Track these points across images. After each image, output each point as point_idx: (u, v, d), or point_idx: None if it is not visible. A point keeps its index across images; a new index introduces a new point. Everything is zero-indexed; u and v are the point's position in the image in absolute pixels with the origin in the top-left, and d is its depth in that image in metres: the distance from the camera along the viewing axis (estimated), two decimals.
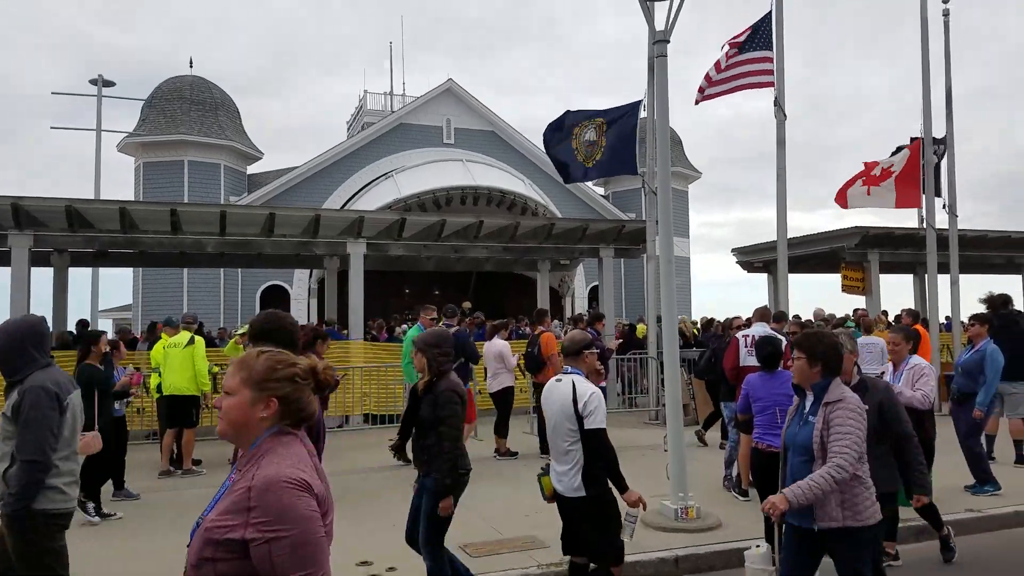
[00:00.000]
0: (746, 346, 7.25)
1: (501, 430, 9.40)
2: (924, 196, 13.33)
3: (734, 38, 9.85)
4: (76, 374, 6.49)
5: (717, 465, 7.95)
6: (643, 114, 11.52)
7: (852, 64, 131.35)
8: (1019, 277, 18.17)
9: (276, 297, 24.23)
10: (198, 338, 9.04)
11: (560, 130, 11.47)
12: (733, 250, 19.52)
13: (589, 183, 28.60)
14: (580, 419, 3.94)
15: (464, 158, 25.13)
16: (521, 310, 23.51)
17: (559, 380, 4.17)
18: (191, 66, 25.56)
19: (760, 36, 9.73)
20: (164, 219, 11.83)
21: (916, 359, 5.93)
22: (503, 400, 9.43)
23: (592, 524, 4.02)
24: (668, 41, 6.61)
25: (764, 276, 19.29)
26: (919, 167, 13.36)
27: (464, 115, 26.58)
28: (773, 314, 8.31)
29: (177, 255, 14.64)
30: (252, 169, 25.73)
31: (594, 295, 26.03)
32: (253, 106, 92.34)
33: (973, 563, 5.59)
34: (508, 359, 9.38)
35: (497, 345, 9.45)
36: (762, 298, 18.88)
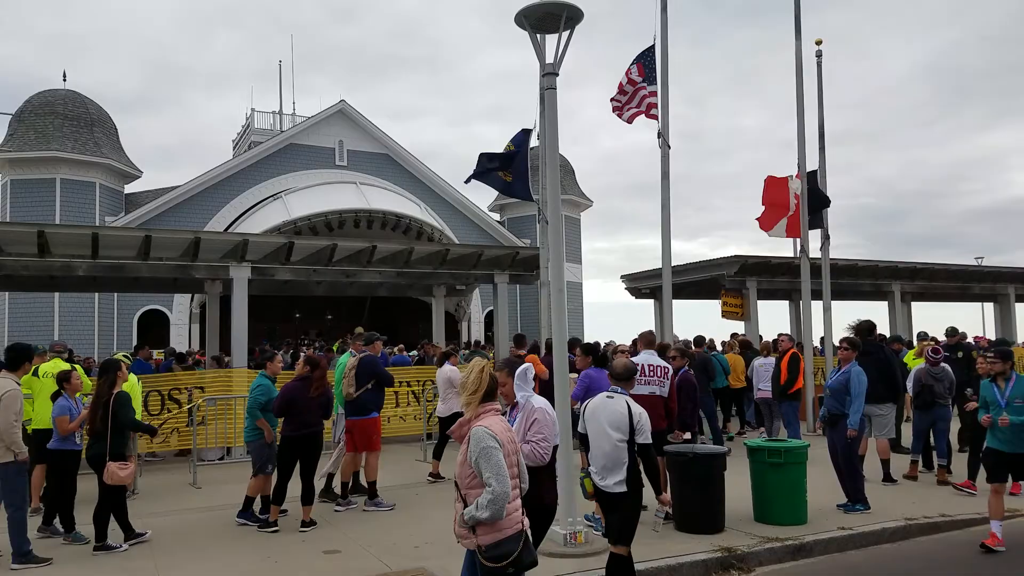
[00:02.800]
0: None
1: (439, 453, 9.56)
2: (803, 226, 14.09)
3: (636, 62, 10.13)
4: None
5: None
6: (535, 142, 11.68)
7: (727, 102, 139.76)
8: (885, 304, 19.58)
9: (155, 322, 22.81)
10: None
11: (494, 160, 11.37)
12: (622, 277, 20.06)
13: (485, 208, 28.83)
14: (632, 433, 4.72)
15: (358, 181, 24.70)
16: (417, 335, 23.20)
17: (611, 398, 4.94)
18: (64, 80, 23.90)
19: (647, 70, 10.08)
20: (31, 240, 10.89)
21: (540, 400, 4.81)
22: (451, 424, 9.30)
23: (625, 515, 4.77)
24: (557, 74, 6.69)
25: (651, 302, 19.90)
26: (797, 199, 14.13)
27: (357, 137, 26.17)
28: (658, 344, 8.46)
29: (46, 279, 13.49)
30: (131, 188, 24.25)
31: (491, 320, 26.07)
32: (132, 123, 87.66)
33: None
34: (457, 384, 9.31)
35: (447, 371, 9.54)
36: (650, 322, 19.44)
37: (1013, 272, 21.09)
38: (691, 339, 13.01)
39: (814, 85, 14.30)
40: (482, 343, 19.28)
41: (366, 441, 8.06)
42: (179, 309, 22.99)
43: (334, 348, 14.46)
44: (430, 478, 9.42)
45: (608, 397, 4.97)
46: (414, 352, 16.93)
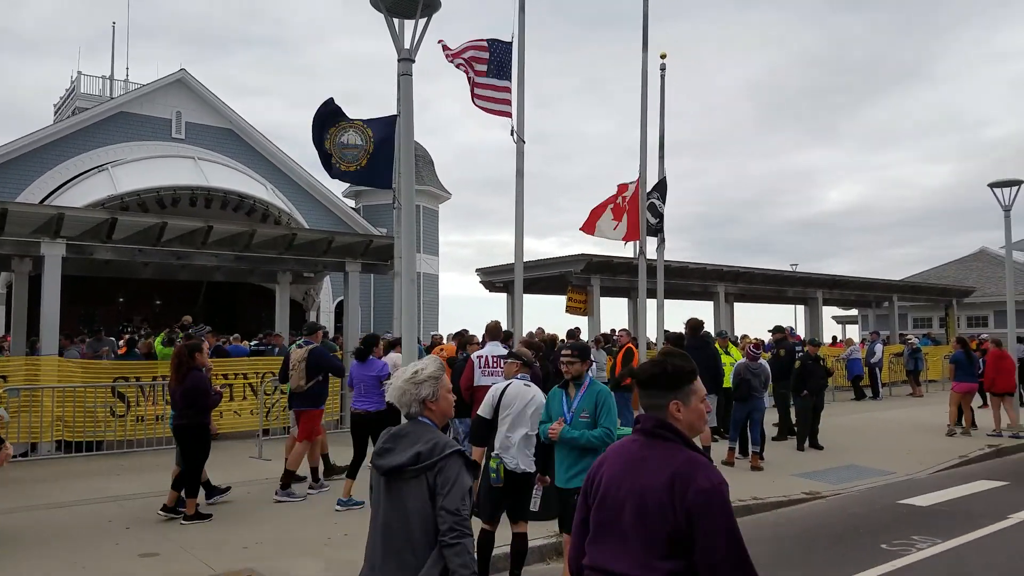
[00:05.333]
0: (480, 366, 7.43)
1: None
2: (641, 229, 14.85)
3: (473, 42, 9.95)
4: None
5: None
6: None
7: (574, 107, 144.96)
8: (711, 303, 21.16)
9: None
10: None
11: (323, 123, 10.73)
12: (477, 270, 20.25)
13: (340, 195, 27.95)
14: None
15: (196, 156, 23.04)
16: (259, 324, 22.06)
17: (528, 386, 5.33)
18: None
19: (502, 65, 10.10)
20: None
21: None
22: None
23: (527, 494, 5.24)
24: (413, 60, 6.60)
25: (504, 295, 20.25)
26: (637, 204, 14.87)
27: (198, 109, 24.42)
28: (503, 333, 8.62)
29: None
30: None
31: (342, 311, 25.36)
32: None
33: None
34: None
35: (392, 359, 9.09)
36: (503, 315, 19.77)
37: (821, 278, 23.53)
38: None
39: (657, 96, 15.13)
40: (330, 333, 18.64)
41: (308, 431, 8.05)
42: None
43: (158, 341, 12.82)
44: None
45: (526, 385, 5.32)
46: (253, 341, 16.11)
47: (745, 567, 2.00)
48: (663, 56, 15.22)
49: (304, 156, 59.03)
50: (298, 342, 8.89)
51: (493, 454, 5.25)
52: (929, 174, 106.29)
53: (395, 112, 10.90)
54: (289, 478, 7.91)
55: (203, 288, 25.70)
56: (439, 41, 10.15)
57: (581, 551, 2.30)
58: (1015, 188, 14.63)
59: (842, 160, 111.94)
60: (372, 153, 10.27)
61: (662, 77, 15.21)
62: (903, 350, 20.30)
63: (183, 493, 7.01)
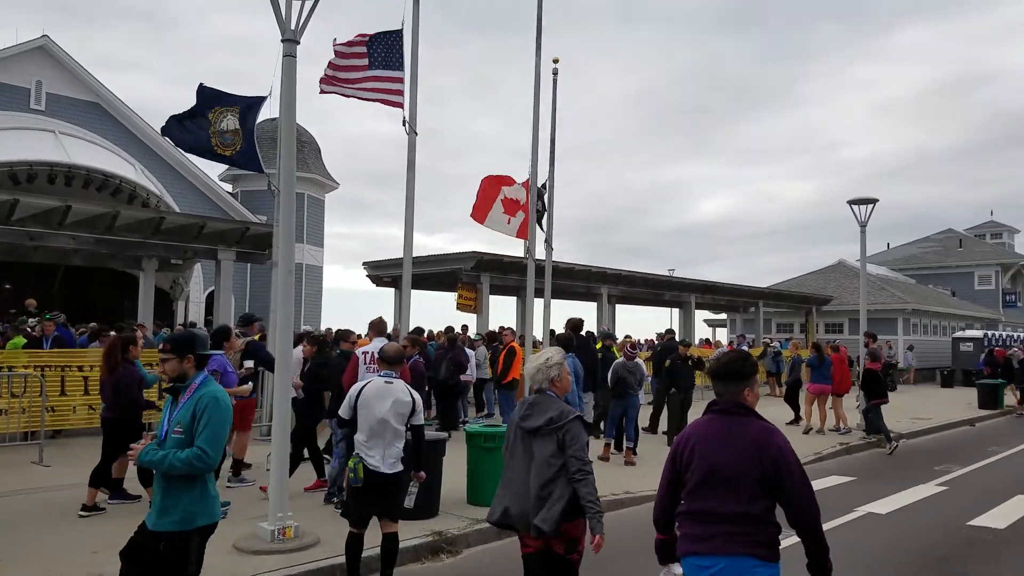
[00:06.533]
0: (365, 363, 7.25)
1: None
2: (531, 230, 15.00)
3: (360, 36, 9.68)
4: None
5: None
6: (274, 114, 10.92)
7: (465, 105, 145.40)
8: (595, 304, 21.73)
9: None
10: None
11: (196, 111, 10.06)
12: (364, 264, 19.79)
13: (216, 179, 26.51)
14: (412, 415, 5.08)
15: (58, 130, 21.18)
16: (121, 313, 20.58)
17: (390, 383, 5.10)
18: None
19: (391, 54, 9.85)
20: None
21: None
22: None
23: (400, 494, 5.14)
24: (298, 42, 6.33)
25: (392, 290, 19.90)
26: (528, 205, 15.01)
27: (61, 80, 22.42)
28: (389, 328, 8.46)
29: None
30: None
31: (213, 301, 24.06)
32: None
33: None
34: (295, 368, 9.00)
35: (296, 354, 8.86)
36: (390, 311, 19.46)
37: (694, 284, 24.72)
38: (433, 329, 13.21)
39: (549, 100, 15.34)
40: (199, 325, 17.64)
41: (247, 421, 8.16)
42: None
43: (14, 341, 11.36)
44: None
45: (387, 382, 5.10)
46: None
47: (810, 488, 2.97)
48: (555, 61, 15.42)
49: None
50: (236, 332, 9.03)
51: (354, 453, 5.07)
52: (794, 190, 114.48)
53: (270, 91, 10.40)
54: (239, 466, 8.17)
55: (60, 272, 23.69)
56: (335, 40, 9.81)
57: (670, 505, 3.18)
58: (871, 206, 15.89)
59: (716, 173, 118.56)
60: (243, 137, 9.76)
61: (554, 82, 15.43)
62: (763, 351, 21.60)
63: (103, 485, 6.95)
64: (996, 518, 7.79)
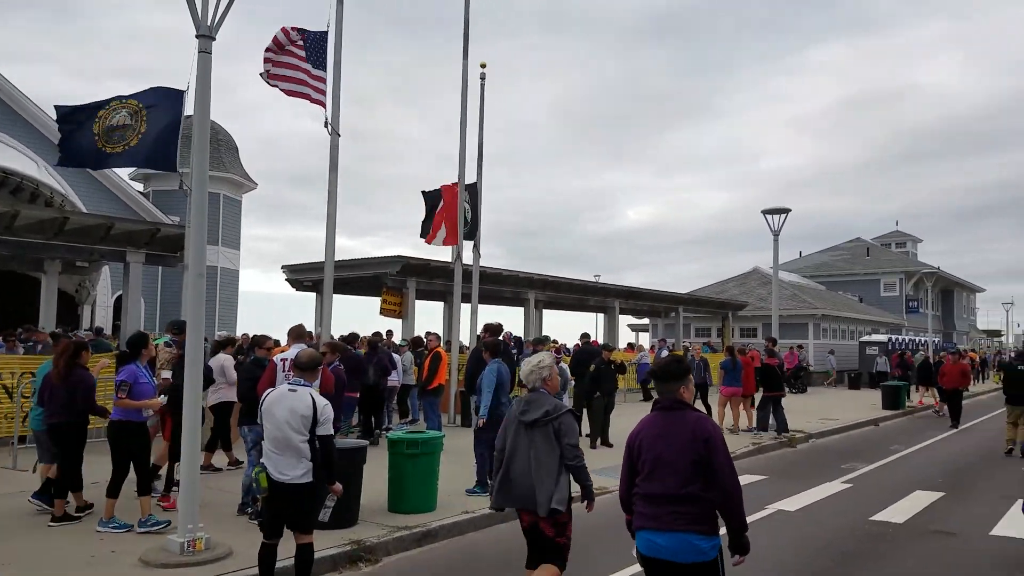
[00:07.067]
0: (284, 370, 7.04)
1: (213, 445, 9.16)
2: (460, 234, 14.94)
3: (294, 28, 9.48)
4: None
5: (233, 492, 7.56)
6: (189, 111, 10.49)
7: (390, 108, 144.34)
8: (522, 309, 21.83)
9: None
10: None
11: (82, 111, 9.46)
12: (283, 267, 19.28)
13: (127, 178, 25.31)
14: (315, 424, 4.83)
15: None
16: (22, 317, 19.35)
17: (294, 391, 4.90)
18: None
19: (319, 54, 9.69)
20: None
21: None
22: (220, 413, 9.07)
23: (311, 505, 4.94)
24: (213, 38, 6.13)
25: (312, 295, 19.46)
26: (455, 210, 14.94)
27: None
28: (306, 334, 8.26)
29: None
30: None
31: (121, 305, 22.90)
32: None
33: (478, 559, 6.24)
34: (229, 372, 8.96)
35: (220, 359, 8.98)
36: (310, 316, 19.01)
37: (618, 289, 25.20)
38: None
39: (477, 104, 15.34)
40: (105, 331, 16.75)
41: (167, 429, 7.75)
42: None
43: None
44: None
45: (291, 390, 4.95)
46: None
47: (734, 470, 3.52)
48: (483, 65, 15.44)
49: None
50: (165, 339, 8.87)
51: (260, 462, 4.94)
52: (712, 199, 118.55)
53: (187, 85, 9.92)
54: (153, 474, 7.73)
55: None
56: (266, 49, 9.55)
57: (630, 489, 3.71)
58: (783, 215, 16.58)
59: (639, 182, 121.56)
60: (145, 132, 9.14)
61: (482, 86, 15.44)
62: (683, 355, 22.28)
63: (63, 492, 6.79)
64: (896, 513, 8.22)
